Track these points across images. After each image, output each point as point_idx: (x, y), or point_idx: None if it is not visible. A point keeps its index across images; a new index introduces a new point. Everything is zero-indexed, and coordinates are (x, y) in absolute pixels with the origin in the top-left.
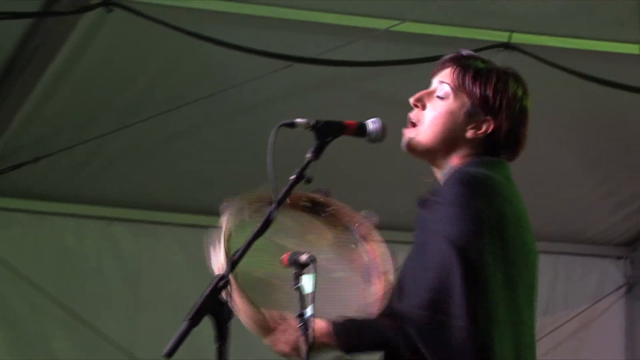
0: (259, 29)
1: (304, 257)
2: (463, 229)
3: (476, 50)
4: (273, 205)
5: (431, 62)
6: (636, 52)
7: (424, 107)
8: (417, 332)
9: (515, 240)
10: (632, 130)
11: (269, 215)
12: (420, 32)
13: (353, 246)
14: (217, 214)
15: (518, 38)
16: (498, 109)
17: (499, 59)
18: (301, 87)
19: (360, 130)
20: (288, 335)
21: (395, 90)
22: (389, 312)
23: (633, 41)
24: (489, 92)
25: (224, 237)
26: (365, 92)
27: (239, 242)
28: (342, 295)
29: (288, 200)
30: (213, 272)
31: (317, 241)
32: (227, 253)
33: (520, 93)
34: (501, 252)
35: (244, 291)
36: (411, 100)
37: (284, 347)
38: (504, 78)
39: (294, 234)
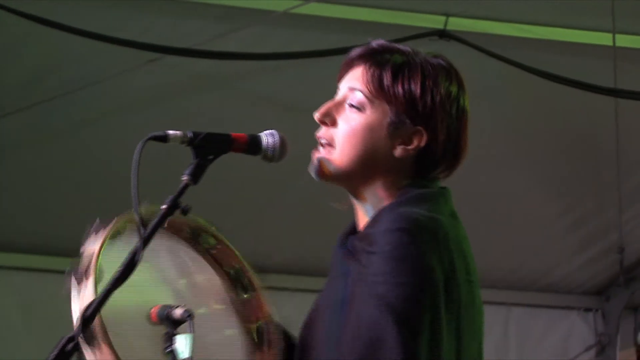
0: (118, 12)
1: (178, 312)
2: (403, 290)
3: (402, 40)
4: (138, 245)
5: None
6: (609, 43)
7: (334, 123)
8: None
9: (465, 301)
10: (602, 142)
11: (133, 258)
12: (330, 15)
13: (245, 296)
14: (63, 253)
15: (456, 24)
16: (430, 115)
17: (432, 49)
18: (173, 87)
19: (252, 145)
20: None
21: (298, 92)
22: None
23: (605, 29)
24: (416, 94)
25: (93, 275)
26: (259, 94)
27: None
28: None
29: (167, 224)
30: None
31: (206, 285)
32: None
33: (454, 90)
34: (450, 320)
35: (110, 342)
36: (316, 116)
37: None
38: (433, 72)
39: (178, 272)
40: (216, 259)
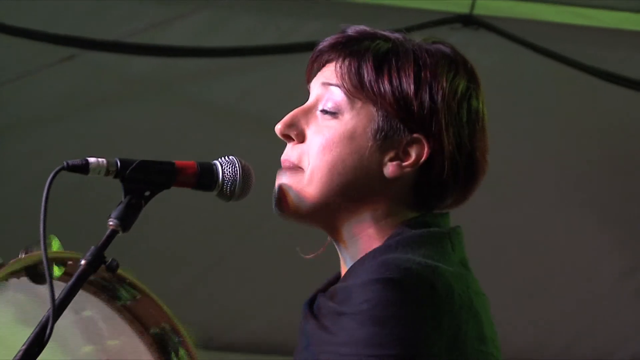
0: None
1: None
2: None
3: (414, 29)
4: (48, 315)
5: None
6: None
7: (302, 138)
8: None
9: None
10: None
11: (40, 334)
12: None
13: None
14: None
15: (486, 7)
16: (430, 118)
17: (455, 42)
18: (96, 93)
19: (203, 178)
20: None
21: (267, 100)
22: None
23: None
24: (408, 90)
25: None
26: (212, 103)
27: None
28: None
29: (65, 272)
30: None
31: (122, 352)
32: None
33: (462, 84)
34: None
35: None
36: (278, 129)
37: None
38: (430, 61)
39: (84, 337)
40: (136, 316)
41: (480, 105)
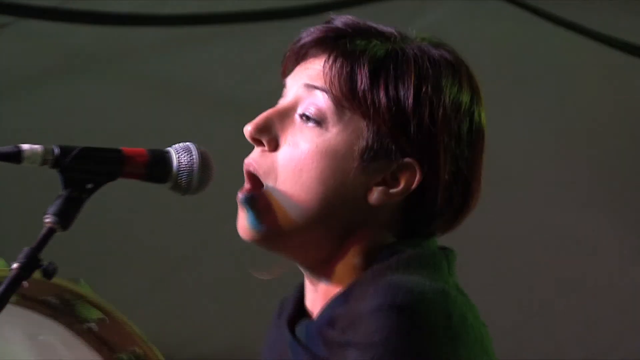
0: None
1: None
2: None
3: None
4: None
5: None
6: None
7: (274, 146)
8: None
9: None
10: None
11: None
12: None
13: None
14: None
15: None
16: (427, 139)
17: (455, 8)
18: (34, 69)
19: (155, 167)
20: None
21: (236, 78)
22: None
23: None
24: (406, 105)
25: None
26: (169, 81)
27: None
28: None
29: (21, 294)
30: None
31: None
32: None
33: (466, 100)
34: None
35: None
36: (248, 131)
37: None
38: (433, 72)
39: None
40: (104, 341)
41: (482, 121)
